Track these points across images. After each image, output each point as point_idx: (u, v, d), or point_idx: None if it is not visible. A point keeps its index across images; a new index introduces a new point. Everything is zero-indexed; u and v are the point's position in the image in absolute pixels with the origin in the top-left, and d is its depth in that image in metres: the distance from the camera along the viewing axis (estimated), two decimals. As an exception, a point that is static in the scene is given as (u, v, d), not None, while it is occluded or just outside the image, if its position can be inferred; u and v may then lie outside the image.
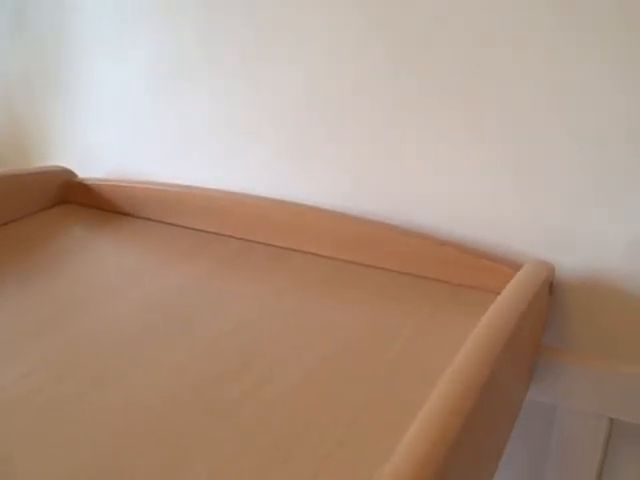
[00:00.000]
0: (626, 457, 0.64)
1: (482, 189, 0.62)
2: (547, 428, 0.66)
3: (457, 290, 0.61)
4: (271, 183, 0.72)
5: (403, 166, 0.65)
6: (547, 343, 0.62)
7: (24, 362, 0.47)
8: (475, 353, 0.40)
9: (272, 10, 0.65)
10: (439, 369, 0.43)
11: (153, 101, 0.74)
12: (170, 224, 0.74)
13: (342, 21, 0.63)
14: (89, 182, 0.77)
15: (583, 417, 0.61)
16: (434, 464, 0.31)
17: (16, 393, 0.43)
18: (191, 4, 0.68)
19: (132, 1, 0.71)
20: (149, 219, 0.75)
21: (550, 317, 0.62)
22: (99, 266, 0.64)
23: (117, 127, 0.78)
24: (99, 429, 0.40)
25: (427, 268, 0.63)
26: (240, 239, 0.71)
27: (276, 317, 0.56)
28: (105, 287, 0.60)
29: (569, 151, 0.57)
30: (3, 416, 0.41)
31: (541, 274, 0.57)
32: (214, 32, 0.68)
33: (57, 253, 0.66)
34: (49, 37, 0.77)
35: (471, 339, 0.42)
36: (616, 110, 0.55)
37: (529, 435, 0.68)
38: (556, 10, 0.54)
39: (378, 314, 0.57)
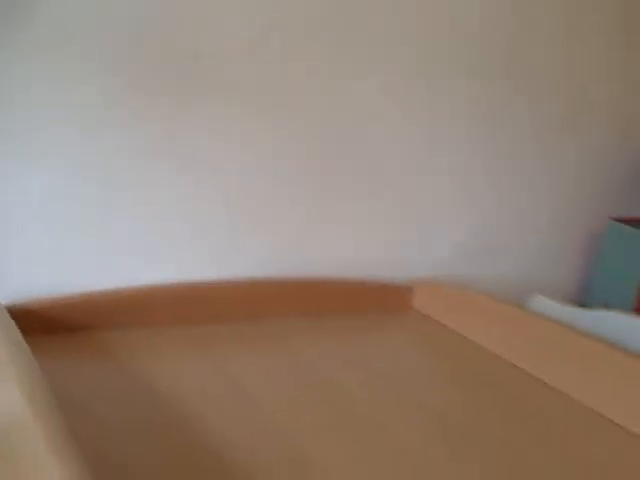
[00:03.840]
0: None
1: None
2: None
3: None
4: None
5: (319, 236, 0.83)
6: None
7: None
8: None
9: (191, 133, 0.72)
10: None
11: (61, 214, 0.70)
12: (147, 325, 0.71)
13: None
14: (31, 305, 0.66)
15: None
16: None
17: None
18: (108, 119, 0.68)
19: (47, 114, 0.66)
20: (119, 327, 0.70)
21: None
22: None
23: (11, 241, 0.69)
24: None
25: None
26: (230, 321, 0.75)
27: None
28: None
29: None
30: None
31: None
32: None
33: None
34: None
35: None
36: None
37: None
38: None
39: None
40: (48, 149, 0.67)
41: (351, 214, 0.83)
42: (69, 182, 0.69)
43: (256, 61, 0.73)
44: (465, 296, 0.80)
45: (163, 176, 0.73)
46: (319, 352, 0.70)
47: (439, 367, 0.70)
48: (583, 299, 0.99)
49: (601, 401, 0.62)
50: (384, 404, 0.60)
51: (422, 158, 0.85)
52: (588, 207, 0.99)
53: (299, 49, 0.75)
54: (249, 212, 0.78)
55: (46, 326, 0.68)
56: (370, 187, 0.84)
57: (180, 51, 0.69)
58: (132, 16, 0.67)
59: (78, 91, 0.67)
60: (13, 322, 0.60)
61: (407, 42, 0.80)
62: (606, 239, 0.96)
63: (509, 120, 0.89)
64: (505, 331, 0.73)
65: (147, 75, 0.68)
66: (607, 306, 0.91)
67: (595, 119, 0.95)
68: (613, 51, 0.94)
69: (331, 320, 0.79)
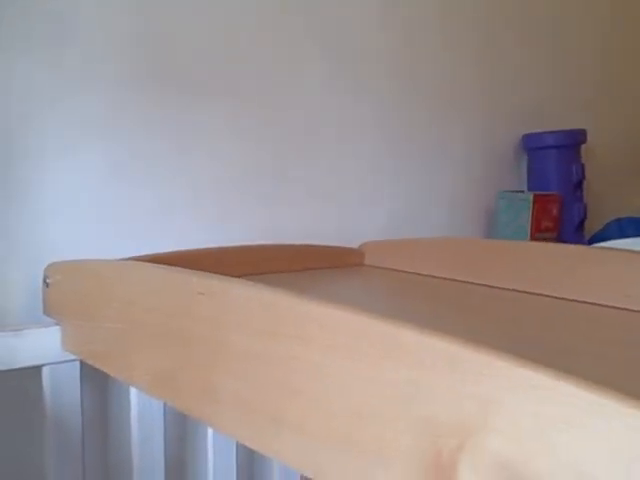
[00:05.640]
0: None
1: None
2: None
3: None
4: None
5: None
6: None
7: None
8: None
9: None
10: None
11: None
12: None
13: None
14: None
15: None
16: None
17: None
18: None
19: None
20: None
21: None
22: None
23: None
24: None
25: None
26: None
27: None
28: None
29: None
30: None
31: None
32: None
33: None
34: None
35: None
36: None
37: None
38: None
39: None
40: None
41: (306, 200, 1.08)
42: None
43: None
44: (406, 244, 1.05)
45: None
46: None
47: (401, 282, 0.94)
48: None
49: (519, 281, 0.87)
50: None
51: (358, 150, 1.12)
52: (484, 184, 1.29)
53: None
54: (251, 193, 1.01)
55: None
56: (322, 177, 1.08)
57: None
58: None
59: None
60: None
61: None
62: (498, 206, 1.27)
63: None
64: (444, 257, 0.98)
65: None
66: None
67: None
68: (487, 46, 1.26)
69: (309, 275, 1.01)
